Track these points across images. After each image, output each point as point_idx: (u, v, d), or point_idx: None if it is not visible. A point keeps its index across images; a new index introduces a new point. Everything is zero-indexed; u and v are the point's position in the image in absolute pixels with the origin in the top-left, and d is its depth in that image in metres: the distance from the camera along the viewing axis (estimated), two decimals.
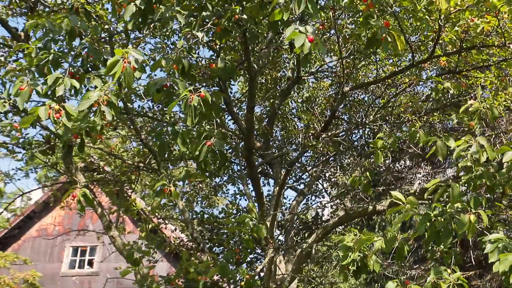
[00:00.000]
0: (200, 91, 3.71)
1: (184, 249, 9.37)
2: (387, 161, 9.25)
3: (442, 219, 3.79)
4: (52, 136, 6.76)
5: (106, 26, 5.94)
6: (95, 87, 3.96)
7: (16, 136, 6.47)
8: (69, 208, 9.69)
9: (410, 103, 6.61)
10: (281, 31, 4.30)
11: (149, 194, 14.25)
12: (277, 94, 9.10)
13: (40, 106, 3.85)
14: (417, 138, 4.48)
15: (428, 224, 3.79)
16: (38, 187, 15.64)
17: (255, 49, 6.33)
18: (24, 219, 15.98)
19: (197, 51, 4.61)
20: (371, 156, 5.44)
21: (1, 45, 7.82)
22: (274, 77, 9.43)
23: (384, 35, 3.41)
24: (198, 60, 4.45)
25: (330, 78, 9.77)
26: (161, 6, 3.89)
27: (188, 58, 4.12)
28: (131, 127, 8.18)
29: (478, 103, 4.05)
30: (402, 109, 6.97)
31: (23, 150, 7.08)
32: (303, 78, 7.89)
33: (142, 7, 3.76)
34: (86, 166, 10.19)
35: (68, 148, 7.09)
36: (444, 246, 3.96)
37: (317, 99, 9.85)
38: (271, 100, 9.50)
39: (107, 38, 5.78)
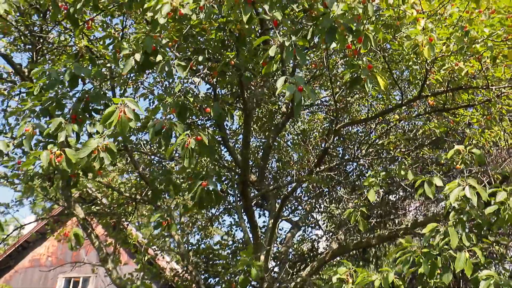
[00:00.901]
0: (198, 134, 3.91)
1: (179, 280, 9.41)
2: (380, 192, 9.40)
3: (442, 257, 3.99)
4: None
5: (108, 65, 6.19)
6: (97, 131, 4.16)
7: (17, 173, 6.61)
8: (66, 241, 9.71)
9: (399, 142, 6.83)
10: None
11: (145, 224, 14.27)
12: (272, 127, 9.32)
13: (42, 150, 4.04)
14: (406, 175, 4.66)
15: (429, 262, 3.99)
16: (35, 219, 15.62)
17: (250, 87, 6.58)
18: (17, 249, 15.86)
19: (194, 93, 4.83)
20: (366, 188, 5.63)
21: (5, 80, 8.05)
22: (269, 111, 9.68)
23: (366, 76, 3.63)
24: (195, 100, 4.65)
25: (324, 111, 10.02)
26: (159, 58, 4.09)
27: (186, 101, 4.35)
28: (129, 160, 8.37)
29: (464, 149, 4.25)
30: (392, 148, 7.18)
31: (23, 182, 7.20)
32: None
33: (141, 62, 3.98)
34: (83, 197, 10.29)
35: (66, 181, 7.24)
36: (446, 282, 4.11)
37: (311, 132, 10.08)
38: (267, 133, 9.71)
39: (109, 78, 6.00)
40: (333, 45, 3.53)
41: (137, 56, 3.96)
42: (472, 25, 4.45)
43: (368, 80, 3.63)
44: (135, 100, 3.94)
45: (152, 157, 8.87)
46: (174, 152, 8.37)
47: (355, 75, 3.76)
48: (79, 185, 8.68)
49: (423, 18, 4.20)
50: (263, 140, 10.55)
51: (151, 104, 8.58)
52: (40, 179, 6.74)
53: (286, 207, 10.81)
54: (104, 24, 7.21)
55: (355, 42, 3.52)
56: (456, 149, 4.34)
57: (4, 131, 7.87)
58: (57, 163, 3.78)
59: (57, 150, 3.88)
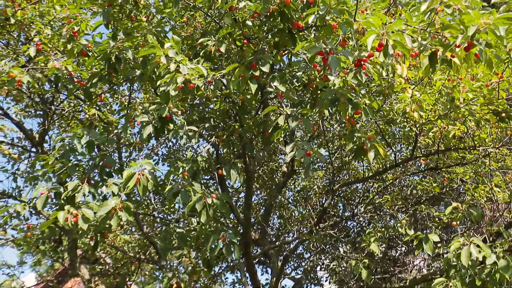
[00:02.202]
0: (212, 193, 4.25)
1: None
2: (381, 248, 9.52)
3: None
4: (60, 232, 7.09)
5: (116, 131, 6.57)
6: (112, 193, 4.44)
7: (25, 236, 6.81)
8: None
9: (396, 200, 7.11)
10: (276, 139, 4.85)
11: (148, 282, 14.18)
12: (273, 186, 9.58)
13: (59, 211, 4.30)
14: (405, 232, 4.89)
15: None
16: (37, 281, 15.50)
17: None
18: None
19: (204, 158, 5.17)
20: (366, 244, 5.85)
21: (16, 145, 8.39)
22: (270, 169, 9.98)
23: (368, 146, 3.99)
24: (206, 163, 5.02)
25: (324, 169, 10.33)
26: (171, 125, 4.47)
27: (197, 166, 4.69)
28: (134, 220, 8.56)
29: (460, 206, 4.51)
30: (389, 206, 7.44)
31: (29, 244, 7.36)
32: (297, 171, 8.42)
33: (158, 126, 4.35)
34: (86, 257, 10.35)
35: (73, 242, 7.42)
36: None
37: (311, 189, 10.33)
38: (268, 191, 9.96)
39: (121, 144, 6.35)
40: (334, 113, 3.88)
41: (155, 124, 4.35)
42: (455, 91, 4.85)
43: (371, 151, 4.00)
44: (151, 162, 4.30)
45: (157, 216, 9.07)
46: (178, 209, 8.66)
47: (357, 144, 4.13)
48: (81, 244, 8.83)
49: (410, 87, 4.60)
50: (264, 197, 10.78)
51: (157, 164, 8.92)
52: (48, 241, 6.94)
53: (288, 264, 10.86)
54: (112, 91, 7.65)
55: (353, 113, 3.89)
56: (454, 206, 4.60)
57: (14, 194, 8.14)
58: (72, 223, 4.02)
59: (74, 210, 4.15)
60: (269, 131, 4.09)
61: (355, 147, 4.23)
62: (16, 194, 8.20)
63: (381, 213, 7.77)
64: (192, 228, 6.66)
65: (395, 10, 5.64)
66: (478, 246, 4.23)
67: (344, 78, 3.89)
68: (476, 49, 3.26)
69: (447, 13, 3.39)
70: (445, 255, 4.61)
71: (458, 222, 4.73)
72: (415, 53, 3.68)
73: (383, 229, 5.98)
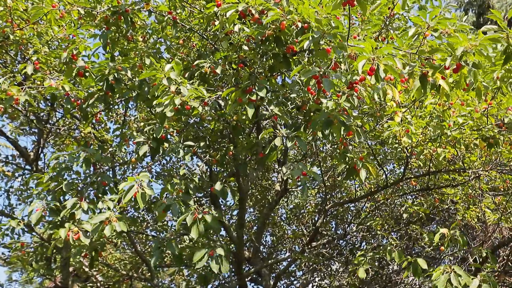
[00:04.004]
0: (204, 209, 4.31)
1: None
2: (371, 270, 9.55)
3: None
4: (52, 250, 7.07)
5: (110, 149, 6.62)
6: (108, 208, 4.49)
7: (20, 255, 6.78)
8: None
9: (386, 222, 7.20)
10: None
11: None
12: (266, 204, 9.63)
13: (58, 228, 4.35)
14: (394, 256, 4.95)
15: None
16: None
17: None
18: None
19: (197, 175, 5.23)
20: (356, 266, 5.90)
21: (10, 162, 8.40)
22: (263, 187, 10.04)
23: (360, 166, 4.08)
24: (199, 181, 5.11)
25: (317, 187, 10.40)
26: (166, 144, 4.55)
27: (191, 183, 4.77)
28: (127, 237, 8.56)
29: (448, 232, 4.60)
30: (379, 228, 7.52)
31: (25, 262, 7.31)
32: (290, 190, 8.50)
33: (154, 146, 4.43)
34: (77, 275, 10.27)
35: (66, 260, 7.39)
36: None
37: (304, 207, 10.39)
38: (261, 209, 10.01)
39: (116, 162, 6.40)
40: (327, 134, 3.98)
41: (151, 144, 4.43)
42: (446, 115, 4.97)
43: (362, 171, 4.09)
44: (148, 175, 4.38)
45: (149, 233, 9.07)
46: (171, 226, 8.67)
47: (349, 164, 4.22)
48: (73, 262, 8.78)
49: (400, 111, 4.72)
50: (257, 215, 10.81)
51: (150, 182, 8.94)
52: (41, 258, 6.89)
53: (281, 282, 10.83)
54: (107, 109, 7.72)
55: (345, 135, 3.99)
56: (441, 232, 4.68)
57: (6, 211, 8.11)
58: (74, 240, 4.07)
59: (75, 227, 4.20)
60: (265, 152, 4.17)
61: (347, 167, 4.32)
62: (9, 211, 8.19)
63: (373, 233, 7.84)
64: (184, 246, 6.68)
65: (386, 34, 5.81)
66: (459, 275, 4.29)
67: (337, 100, 3.99)
68: (466, 71, 3.38)
69: (435, 37, 3.53)
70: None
71: (446, 247, 4.82)
72: (405, 78, 3.80)
73: (374, 251, 6.04)
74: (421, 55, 3.55)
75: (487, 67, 3.30)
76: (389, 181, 6.37)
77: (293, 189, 9.28)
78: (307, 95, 4.41)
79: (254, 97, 4.15)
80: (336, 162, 5.56)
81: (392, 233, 8.66)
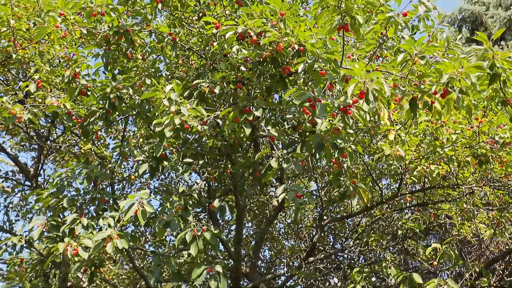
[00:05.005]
0: (203, 226, 4.40)
1: None
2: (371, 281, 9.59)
3: None
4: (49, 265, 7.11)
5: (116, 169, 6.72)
6: (108, 225, 4.57)
7: (18, 271, 6.81)
8: None
9: (382, 238, 7.29)
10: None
11: None
12: (264, 219, 9.69)
13: (59, 243, 4.42)
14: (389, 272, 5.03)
15: None
16: None
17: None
18: None
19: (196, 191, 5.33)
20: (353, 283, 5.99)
21: (10, 178, 8.46)
22: (261, 203, 10.11)
23: (352, 192, 4.19)
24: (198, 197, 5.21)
25: (315, 202, 10.47)
26: (165, 163, 4.65)
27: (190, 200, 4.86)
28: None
29: (440, 247, 4.68)
30: (374, 244, 7.60)
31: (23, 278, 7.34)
32: (288, 206, 8.58)
33: (153, 164, 4.54)
34: None
35: (64, 275, 7.42)
36: None
37: (302, 221, 10.45)
38: (259, 223, 10.06)
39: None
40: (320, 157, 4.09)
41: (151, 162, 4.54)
42: (439, 132, 5.09)
43: (354, 196, 4.21)
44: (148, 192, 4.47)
45: (148, 248, 9.10)
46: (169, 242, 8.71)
47: (342, 188, 4.33)
48: (72, 277, 8.80)
49: (394, 129, 4.84)
50: (255, 230, 10.85)
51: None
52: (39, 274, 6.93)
53: None
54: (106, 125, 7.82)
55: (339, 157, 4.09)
56: (434, 247, 4.77)
57: (5, 227, 8.15)
58: (72, 255, 4.14)
59: (74, 242, 4.27)
60: (262, 172, 4.26)
61: (339, 190, 4.45)
62: (8, 227, 8.23)
63: (371, 248, 7.91)
64: (183, 262, 6.73)
65: (381, 52, 5.95)
66: None
67: (331, 120, 4.11)
68: (454, 96, 3.50)
69: (421, 63, 3.66)
70: None
71: (438, 262, 4.91)
72: (398, 98, 3.92)
73: (370, 267, 6.11)
74: (411, 79, 3.68)
75: (476, 86, 3.42)
76: (385, 196, 6.46)
77: (291, 204, 9.35)
78: (303, 115, 4.52)
79: (251, 117, 4.26)
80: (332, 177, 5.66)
81: (390, 248, 8.73)
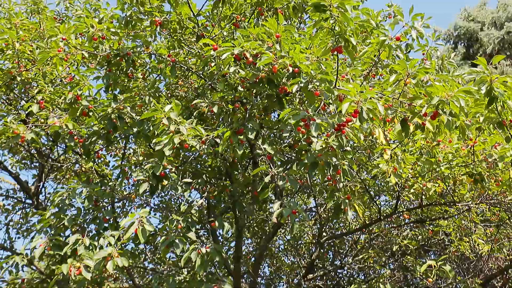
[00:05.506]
0: (206, 244, 4.48)
1: None
2: None
3: None
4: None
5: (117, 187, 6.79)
6: (109, 243, 4.64)
7: None
8: None
9: (379, 256, 7.34)
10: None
11: None
12: (263, 236, 9.72)
13: (63, 264, 4.49)
14: None
15: None
16: None
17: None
18: None
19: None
20: None
21: (11, 197, 8.53)
22: (261, 220, 10.15)
23: (346, 206, 4.27)
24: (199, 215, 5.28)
25: (313, 218, 10.51)
26: (165, 181, 4.74)
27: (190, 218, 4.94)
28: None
29: (435, 264, 4.75)
30: (371, 262, 7.64)
31: None
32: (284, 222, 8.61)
33: (153, 183, 4.62)
34: None
35: None
36: None
37: (302, 237, 10.47)
38: (258, 240, 10.08)
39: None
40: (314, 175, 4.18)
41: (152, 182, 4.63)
42: (434, 151, 5.18)
43: (349, 210, 4.28)
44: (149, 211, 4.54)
45: (147, 266, 9.12)
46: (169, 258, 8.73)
47: (338, 203, 4.41)
48: None
49: (389, 148, 4.93)
50: (255, 246, 10.87)
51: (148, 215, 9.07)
52: None
53: None
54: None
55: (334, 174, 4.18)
56: (429, 263, 4.82)
57: (6, 245, 8.18)
58: (75, 275, 4.20)
59: (77, 263, 4.33)
60: (258, 190, 4.35)
61: (335, 205, 4.52)
62: (8, 245, 8.26)
63: (369, 264, 7.95)
64: (182, 279, 6.76)
65: (376, 71, 6.07)
66: None
67: (325, 139, 4.21)
68: (444, 119, 3.60)
69: (413, 83, 3.77)
70: None
71: (435, 278, 4.95)
72: (390, 118, 4.02)
73: (368, 283, 6.15)
74: (403, 100, 3.78)
75: (464, 109, 3.53)
76: (382, 213, 6.53)
77: (287, 222, 9.39)
78: (298, 134, 4.62)
79: (244, 139, 4.36)
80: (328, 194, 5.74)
81: (390, 264, 8.75)
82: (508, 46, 18.26)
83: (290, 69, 4.14)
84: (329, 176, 4.22)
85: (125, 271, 6.92)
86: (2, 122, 5.01)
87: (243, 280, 9.42)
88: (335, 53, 4.28)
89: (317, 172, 4.06)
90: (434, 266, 4.79)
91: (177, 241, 4.51)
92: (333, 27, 4.00)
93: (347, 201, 4.37)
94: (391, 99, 3.86)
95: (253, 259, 10.37)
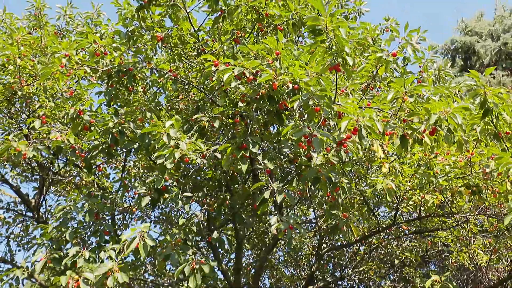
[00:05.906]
0: (202, 258, 4.50)
1: None
2: None
3: None
4: None
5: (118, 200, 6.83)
6: (109, 257, 4.67)
7: None
8: None
9: (378, 268, 7.37)
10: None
11: None
12: (263, 247, 9.74)
13: (61, 276, 4.51)
14: None
15: None
16: None
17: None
18: None
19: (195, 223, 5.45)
20: None
21: (11, 209, 8.55)
22: (261, 231, 10.18)
23: (343, 225, 4.33)
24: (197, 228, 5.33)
25: (313, 230, 10.53)
26: (166, 195, 4.79)
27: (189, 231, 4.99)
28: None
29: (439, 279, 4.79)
30: (372, 273, 7.67)
31: None
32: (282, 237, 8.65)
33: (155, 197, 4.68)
34: None
35: None
36: None
37: (302, 249, 10.49)
38: (258, 252, 10.10)
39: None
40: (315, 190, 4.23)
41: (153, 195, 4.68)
42: (432, 164, 5.24)
43: (345, 229, 4.35)
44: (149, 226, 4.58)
45: (147, 278, 9.12)
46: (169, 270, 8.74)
47: (335, 221, 4.47)
48: None
49: (387, 162, 4.99)
50: (255, 257, 10.87)
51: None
52: None
53: None
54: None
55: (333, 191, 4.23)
56: (433, 279, 4.86)
57: (6, 258, 8.19)
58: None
59: (76, 275, 4.36)
60: (257, 204, 4.40)
61: (332, 223, 4.58)
62: (9, 258, 8.26)
63: (369, 276, 7.98)
64: None
65: (374, 84, 6.15)
66: None
67: (326, 154, 4.26)
68: (442, 133, 3.67)
69: (410, 101, 3.84)
70: None
71: None
72: (389, 132, 4.08)
73: None
74: (401, 116, 3.85)
75: (462, 126, 3.59)
76: (381, 224, 6.57)
77: (284, 237, 9.41)
78: (299, 149, 4.68)
79: (247, 153, 4.42)
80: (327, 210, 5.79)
81: (391, 275, 8.77)
82: (505, 57, 18.47)
83: (290, 85, 4.20)
84: (328, 193, 4.27)
85: (125, 285, 6.94)
86: (4, 139, 5.06)
87: None
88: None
89: (318, 187, 4.11)
90: (438, 281, 4.82)
91: (173, 254, 4.55)
92: (330, 47, 4.08)
93: (344, 220, 4.44)
94: (389, 115, 3.93)
95: (253, 270, 10.37)
